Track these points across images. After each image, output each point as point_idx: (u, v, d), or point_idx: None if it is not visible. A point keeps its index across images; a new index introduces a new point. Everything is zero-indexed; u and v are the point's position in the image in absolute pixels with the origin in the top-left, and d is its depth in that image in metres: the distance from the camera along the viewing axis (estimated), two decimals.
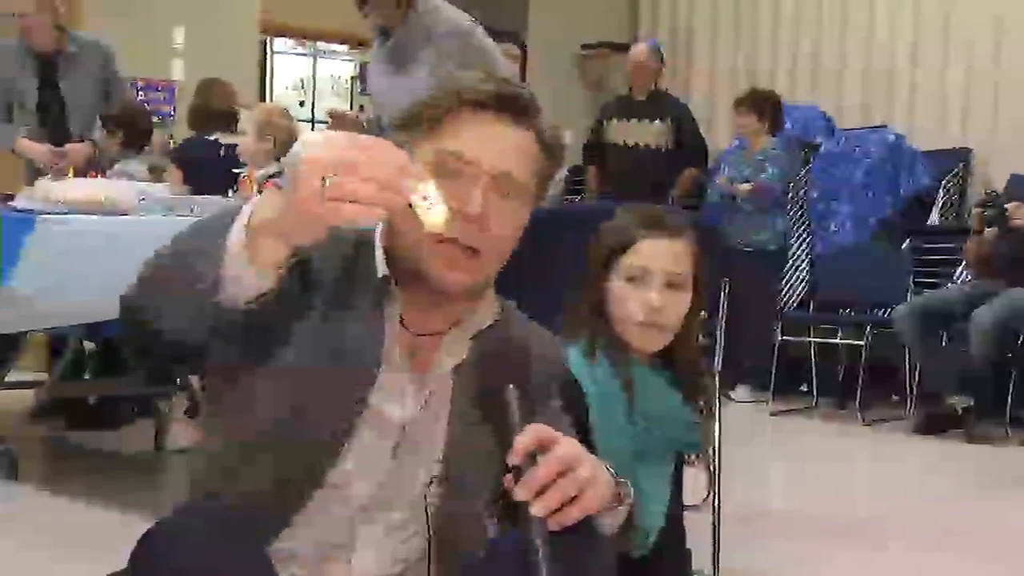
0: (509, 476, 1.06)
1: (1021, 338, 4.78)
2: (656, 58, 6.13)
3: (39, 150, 4.38)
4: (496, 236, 1.21)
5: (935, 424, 4.89)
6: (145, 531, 1.13)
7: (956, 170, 6.22)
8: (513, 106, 1.23)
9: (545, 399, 1.30)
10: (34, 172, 4.37)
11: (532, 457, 1.04)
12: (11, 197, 3.54)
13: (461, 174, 1.19)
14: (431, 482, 1.23)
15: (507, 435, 1.07)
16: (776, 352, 5.52)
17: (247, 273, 1.03)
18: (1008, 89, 6.18)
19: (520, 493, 1.03)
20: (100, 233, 2.94)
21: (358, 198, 0.96)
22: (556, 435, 1.07)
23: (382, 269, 1.23)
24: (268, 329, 1.13)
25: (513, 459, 1.04)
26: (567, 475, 1.05)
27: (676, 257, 1.78)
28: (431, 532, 1.23)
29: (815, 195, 6.28)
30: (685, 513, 1.95)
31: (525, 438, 1.05)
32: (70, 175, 3.78)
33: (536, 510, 1.02)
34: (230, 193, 3.62)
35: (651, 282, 1.76)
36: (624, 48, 6.98)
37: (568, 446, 1.07)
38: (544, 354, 1.33)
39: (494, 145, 1.21)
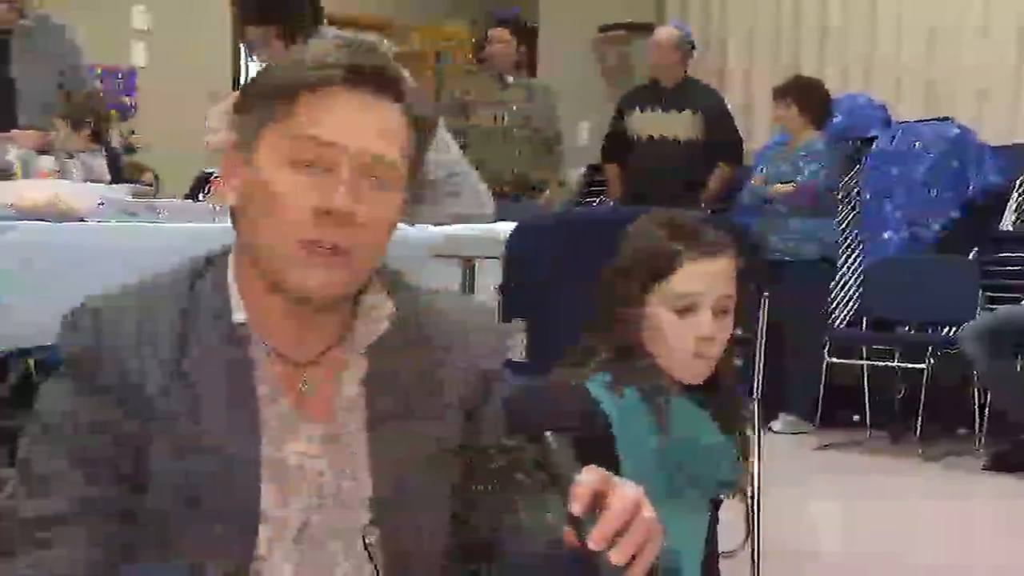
0: (568, 530, 1.10)
1: None
2: (685, 42, 6.14)
3: None
4: (368, 231, 1.20)
5: (1010, 460, 4.85)
6: None
7: None
8: (376, 77, 1.21)
9: (477, 405, 1.31)
10: None
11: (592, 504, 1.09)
12: None
13: (322, 162, 1.18)
14: (368, 524, 1.25)
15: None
16: (823, 377, 5.49)
17: None
18: None
19: (595, 544, 1.06)
20: (53, 243, 2.95)
21: None
22: (608, 476, 1.09)
23: (239, 315, 1.23)
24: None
25: (575, 510, 1.07)
26: (634, 519, 1.07)
27: (723, 278, 1.75)
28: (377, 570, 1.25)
29: (868, 195, 6.22)
30: (720, 560, 1.94)
31: (584, 489, 1.07)
32: (17, 173, 3.78)
33: (617, 559, 1.06)
34: (201, 196, 3.63)
35: (702, 310, 1.73)
36: (647, 30, 6.99)
37: (625, 487, 1.09)
38: (469, 352, 1.32)
39: (360, 125, 1.20)
